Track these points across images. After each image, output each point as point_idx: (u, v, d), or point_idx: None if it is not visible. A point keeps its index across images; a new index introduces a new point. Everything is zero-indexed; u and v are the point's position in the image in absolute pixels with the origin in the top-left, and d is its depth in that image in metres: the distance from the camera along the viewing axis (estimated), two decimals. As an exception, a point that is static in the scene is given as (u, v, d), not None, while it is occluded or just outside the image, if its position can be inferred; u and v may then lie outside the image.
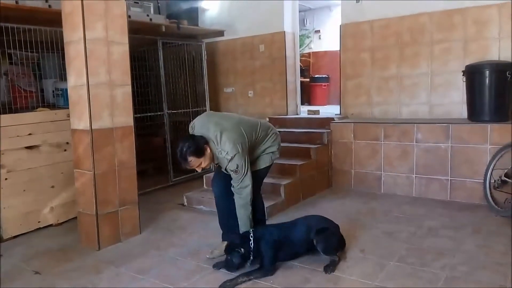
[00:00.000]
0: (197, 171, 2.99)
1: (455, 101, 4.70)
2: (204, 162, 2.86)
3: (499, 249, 3.05)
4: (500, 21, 4.39)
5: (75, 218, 3.66)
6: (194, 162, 2.83)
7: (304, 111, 6.53)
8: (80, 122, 3.32)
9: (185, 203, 4.52)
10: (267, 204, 3.74)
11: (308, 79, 9.07)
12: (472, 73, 4.28)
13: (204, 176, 4.82)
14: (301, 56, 7.77)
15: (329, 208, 4.21)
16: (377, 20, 5.14)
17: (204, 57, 5.84)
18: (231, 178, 2.95)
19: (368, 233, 3.46)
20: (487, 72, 4.14)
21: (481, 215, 3.81)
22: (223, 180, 3.10)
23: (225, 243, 3.07)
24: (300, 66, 6.95)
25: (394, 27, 5.03)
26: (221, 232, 3.25)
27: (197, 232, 3.70)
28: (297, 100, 6.27)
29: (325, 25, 9.65)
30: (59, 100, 4.37)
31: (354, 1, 5.29)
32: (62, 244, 3.50)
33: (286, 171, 4.49)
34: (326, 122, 5.19)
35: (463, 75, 4.40)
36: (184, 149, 2.78)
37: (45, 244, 3.52)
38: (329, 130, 5.06)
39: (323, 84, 8.92)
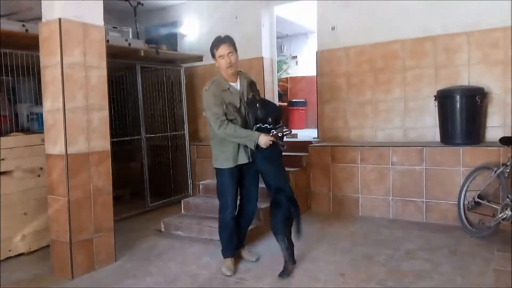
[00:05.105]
0: (228, 63, 3.16)
1: (428, 125, 4.84)
2: (234, 57, 3.18)
3: (474, 270, 3.10)
4: (469, 48, 4.58)
5: (48, 246, 3.54)
6: (232, 47, 3.17)
7: (282, 135, 6.58)
8: (55, 146, 3.26)
9: (163, 229, 4.43)
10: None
11: (286, 103, 9.19)
12: (444, 98, 4.43)
13: (182, 201, 4.78)
14: (279, 81, 7.89)
15: (308, 232, 4.20)
16: (352, 47, 5.29)
17: (183, 82, 5.86)
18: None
19: (347, 257, 3.47)
20: (458, 96, 4.29)
21: (456, 237, 3.87)
22: (235, 206, 3.33)
23: (228, 259, 3.30)
24: (278, 90, 7.06)
25: (368, 54, 5.18)
26: (197, 259, 3.33)
27: (174, 259, 3.62)
28: (276, 124, 6.32)
29: (301, 51, 9.86)
30: (34, 125, 4.29)
31: (329, 28, 5.45)
32: (34, 274, 3.38)
33: (264, 194, 4.47)
34: (304, 145, 5.23)
35: (435, 100, 4.55)
36: (228, 35, 3.20)
37: (16, 274, 3.38)
38: (307, 154, 5.11)
39: (301, 108, 9.04)
